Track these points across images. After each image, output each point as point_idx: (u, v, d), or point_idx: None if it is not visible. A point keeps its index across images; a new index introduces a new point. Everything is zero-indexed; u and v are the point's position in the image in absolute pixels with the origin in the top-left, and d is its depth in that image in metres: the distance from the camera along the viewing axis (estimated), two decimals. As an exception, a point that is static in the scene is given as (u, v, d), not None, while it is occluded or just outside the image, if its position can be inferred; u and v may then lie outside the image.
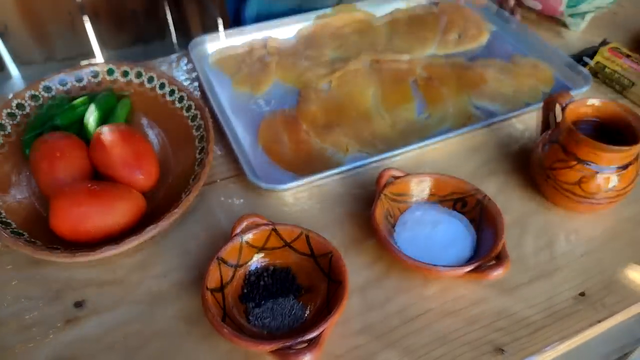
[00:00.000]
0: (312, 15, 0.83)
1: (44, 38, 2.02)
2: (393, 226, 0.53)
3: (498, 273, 0.46)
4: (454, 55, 0.79)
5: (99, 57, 2.15)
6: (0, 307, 0.48)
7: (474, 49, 0.81)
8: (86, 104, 0.63)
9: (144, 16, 2.13)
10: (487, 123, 0.66)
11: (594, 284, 0.50)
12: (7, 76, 2.04)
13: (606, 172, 0.52)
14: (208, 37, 0.78)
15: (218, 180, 0.60)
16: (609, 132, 0.55)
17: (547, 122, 0.59)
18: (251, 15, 0.95)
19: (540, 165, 0.56)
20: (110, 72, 0.67)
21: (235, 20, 1.02)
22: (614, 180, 0.52)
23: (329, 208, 0.57)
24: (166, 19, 2.18)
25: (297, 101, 0.71)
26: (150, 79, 0.66)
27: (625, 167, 0.52)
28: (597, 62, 0.75)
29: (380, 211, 0.52)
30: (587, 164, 0.52)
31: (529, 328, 0.47)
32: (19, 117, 0.62)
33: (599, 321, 0.47)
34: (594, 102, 0.55)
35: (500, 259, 0.47)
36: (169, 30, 2.22)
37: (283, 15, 0.83)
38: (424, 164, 0.62)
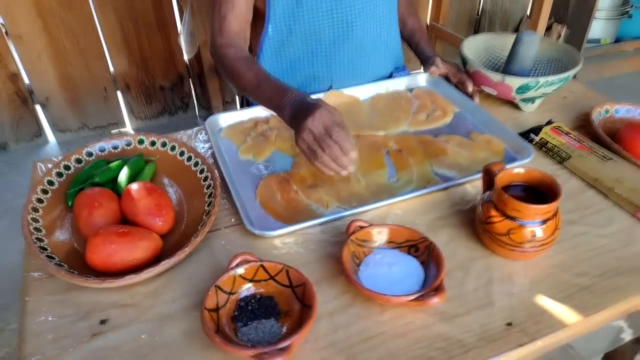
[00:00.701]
0: (307, 97, 1.00)
1: (80, 109, 2.23)
2: (358, 265, 0.65)
3: (435, 301, 0.58)
4: (422, 132, 0.95)
5: (128, 126, 2.36)
6: (41, 323, 0.61)
7: (440, 127, 0.96)
8: (120, 166, 0.79)
9: (170, 91, 2.36)
10: (444, 186, 0.79)
11: (520, 316, 0.61)
12: (45, 141, 2.26)
13: (530, 225, 0.65)
14: (221, 115, 0.95)
15: (222, 228, 0.74)
16: (537, 193, 0.69)
17: (487, 185, 0.73)
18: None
19: (479, 220, 0.69)
20: (140, 141, 0.83)
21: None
22: (538, 232, 0.65)
23: (309, 250, 0.70)
24: (191, 93, 2.41)
25: (291, 166, 0.86)
26: (173, 148, 0.82)
27: (545, 221, 0.65)
28: (541, 138, 0.89)
29: (347, 253, 0.64)
30: (513, 219, 0.65)
31: (463, 348, 0.57)
32: (65, 175, 0.78)
33: (521, 345, 0.58)
34: (520, 170, 0.69)
35: (438, 290, 0.59)
36: (193, 103, 2.44)
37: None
38: (390, 218, 0.75)
